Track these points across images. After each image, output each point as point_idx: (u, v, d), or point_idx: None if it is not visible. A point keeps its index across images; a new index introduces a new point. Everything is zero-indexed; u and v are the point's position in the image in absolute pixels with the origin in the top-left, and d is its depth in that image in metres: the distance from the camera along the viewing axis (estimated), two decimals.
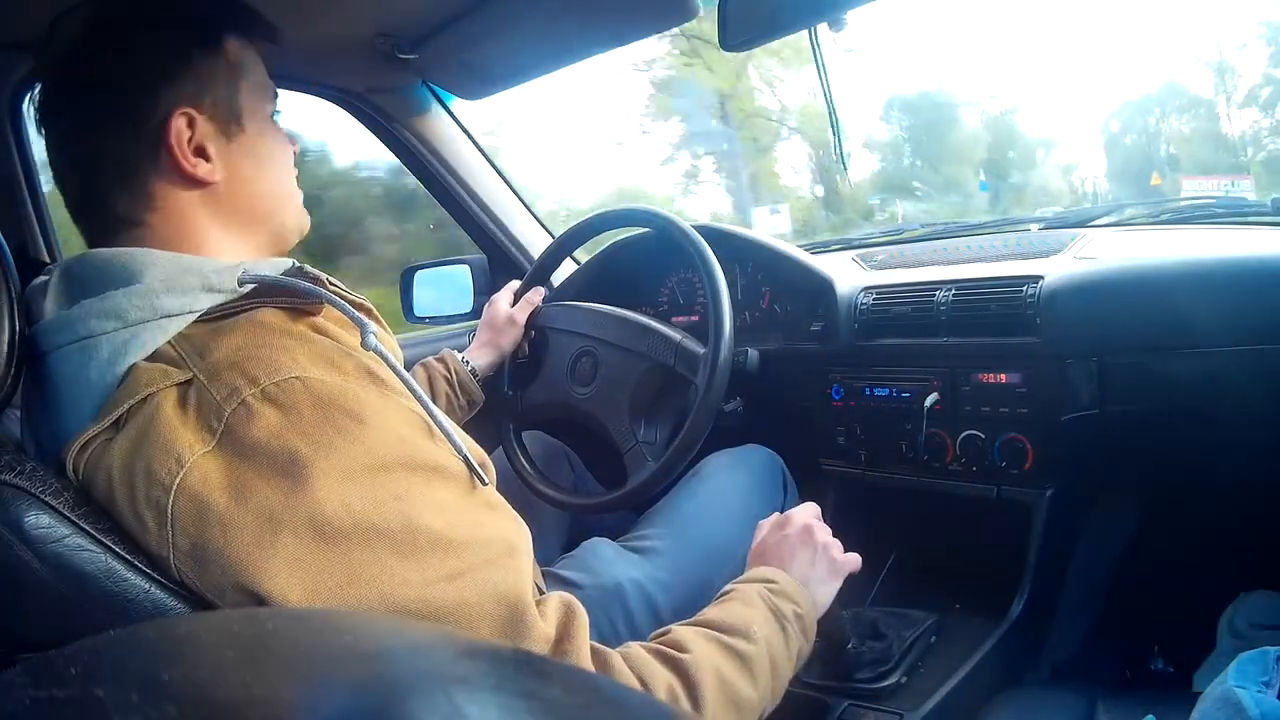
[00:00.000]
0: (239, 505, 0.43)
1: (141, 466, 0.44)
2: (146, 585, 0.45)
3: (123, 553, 0.45)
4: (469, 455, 0.51)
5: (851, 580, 0.73)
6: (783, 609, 0.63)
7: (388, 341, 0.56)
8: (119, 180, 0.53)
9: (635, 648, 0.55)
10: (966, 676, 0.85)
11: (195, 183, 0.54)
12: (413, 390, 0.50)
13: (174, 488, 0.43)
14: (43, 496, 0.44)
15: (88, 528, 0.44)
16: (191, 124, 0.53)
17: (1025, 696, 0.83)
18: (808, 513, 0.75)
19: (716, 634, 0.58)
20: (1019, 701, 0.80)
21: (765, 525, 0.75)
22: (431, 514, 0.47)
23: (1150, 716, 0.67)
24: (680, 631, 0.57)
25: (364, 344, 0.49)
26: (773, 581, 0.66)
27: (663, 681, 0.52)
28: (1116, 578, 1.08)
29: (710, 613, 0.61)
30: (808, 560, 0.70)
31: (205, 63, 0.54)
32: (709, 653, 0.55)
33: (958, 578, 1.01)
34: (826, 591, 0.70)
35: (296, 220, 0.62)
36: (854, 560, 0.73)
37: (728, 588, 0.66)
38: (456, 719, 0.18)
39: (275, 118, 0.60)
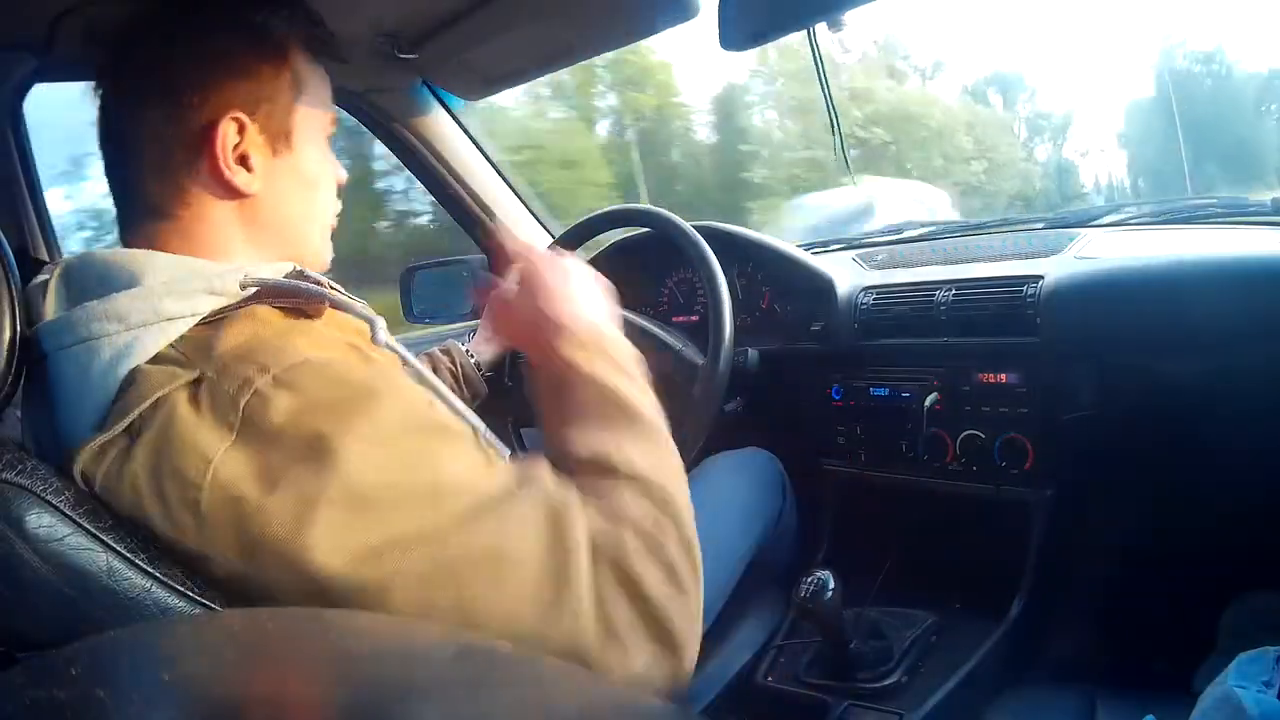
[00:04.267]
0: (271, 492, 0.43)
1: (168, 471, 0.44)
2: (148, 584, 0.45)
3: (124, 551, 0.45)
4: (479, 425, 0.52)
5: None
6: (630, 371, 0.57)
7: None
8: (158, 169, 0.53)
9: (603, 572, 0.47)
10: (966, 676, 0.85)
11: (231, 190, 0.53)
12: (424, 379, 0.51)
13: (205, 486, 0.43)
14: (44, 495, 0.44)
15: (89, 526, 0.44)
16: (241, 130, 0.53)
17: (1025, 696, 0.83)
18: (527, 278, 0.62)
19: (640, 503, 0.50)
20: (1019, 701, 0.80)
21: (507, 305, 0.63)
22: (456, 465, 0.47)
23: (1150, 716, 0.67)
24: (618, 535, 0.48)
25: (375, 339, 0.50)
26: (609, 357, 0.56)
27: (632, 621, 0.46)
28: (1116, 578, 1.08)
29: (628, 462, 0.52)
30: (576, 302, 0.60)
31: (267, 73, 0.54)
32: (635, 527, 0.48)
33: (958, 578, 1.01)
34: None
35: (319, 251, 0.61)
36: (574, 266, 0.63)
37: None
38: (453, 718, 0.18)
39: (328, 143, 0.59)
